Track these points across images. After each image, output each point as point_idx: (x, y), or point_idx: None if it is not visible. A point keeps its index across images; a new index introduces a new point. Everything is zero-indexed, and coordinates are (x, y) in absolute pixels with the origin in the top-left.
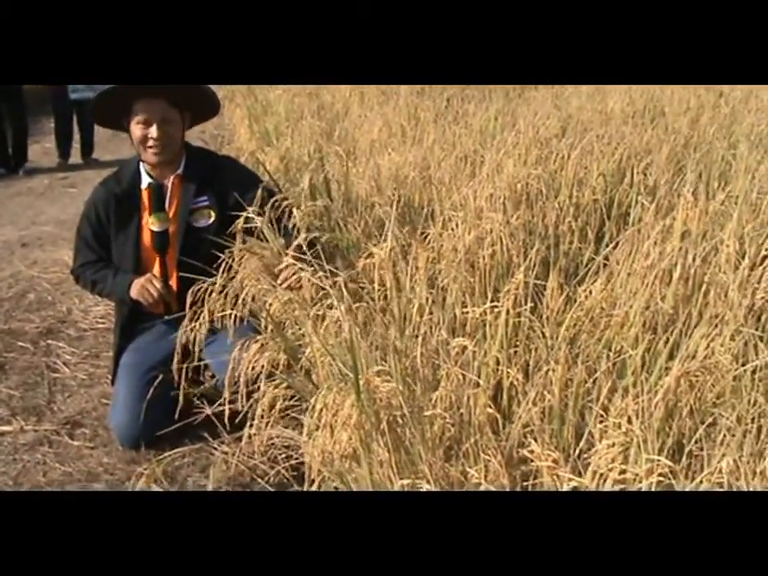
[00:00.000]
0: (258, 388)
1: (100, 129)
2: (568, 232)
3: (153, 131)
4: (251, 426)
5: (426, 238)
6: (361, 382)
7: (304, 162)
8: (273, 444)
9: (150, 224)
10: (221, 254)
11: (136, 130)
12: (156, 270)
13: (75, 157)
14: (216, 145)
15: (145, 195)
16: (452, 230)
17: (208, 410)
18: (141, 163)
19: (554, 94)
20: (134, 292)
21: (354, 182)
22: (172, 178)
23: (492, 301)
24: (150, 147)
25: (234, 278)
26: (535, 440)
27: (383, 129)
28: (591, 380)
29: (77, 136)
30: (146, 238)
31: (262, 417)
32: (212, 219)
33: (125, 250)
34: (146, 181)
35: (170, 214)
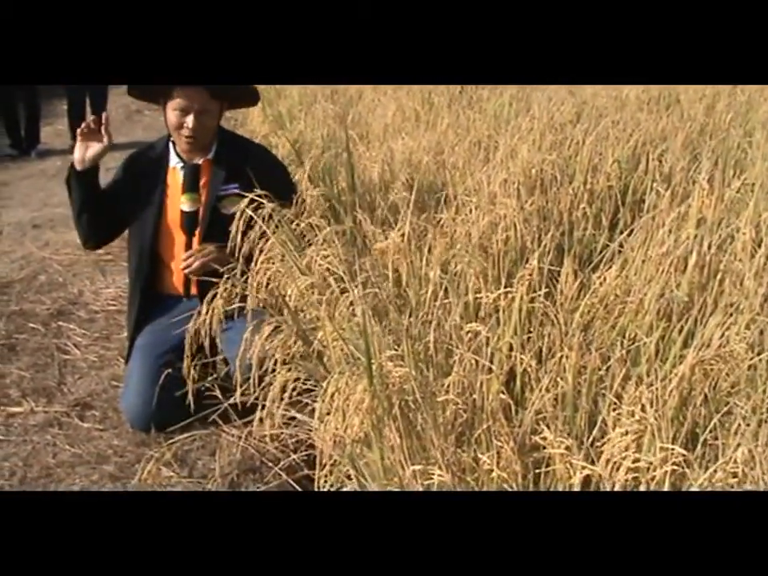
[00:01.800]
0: (271, 371)
1: (112, 110)
2: (582, 218)
3: (189, 121)
4: (262, 409)
5: (439, 223)
6: (373, 367)
7: (317, 146)
8: (284, 428)
9: (182, 203)
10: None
11: (172, 115)
12: (182, 249)
13: None
14: (228, 127)
15: (171, 175)
16: (466, 215)
17: (223, 401)
18: (171, 143)
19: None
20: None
21: (367, 166)
22: (202, 161)
23: (506, 287)
24: (185, 136)
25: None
26: (548, 427)
27: (397, 113)
28: (605, 367)
29: (89, 118)
30: (169, 216)
31: (274, 401)
32: (241, 207)
33: (145, 225)
34: (174, 160)
35: None
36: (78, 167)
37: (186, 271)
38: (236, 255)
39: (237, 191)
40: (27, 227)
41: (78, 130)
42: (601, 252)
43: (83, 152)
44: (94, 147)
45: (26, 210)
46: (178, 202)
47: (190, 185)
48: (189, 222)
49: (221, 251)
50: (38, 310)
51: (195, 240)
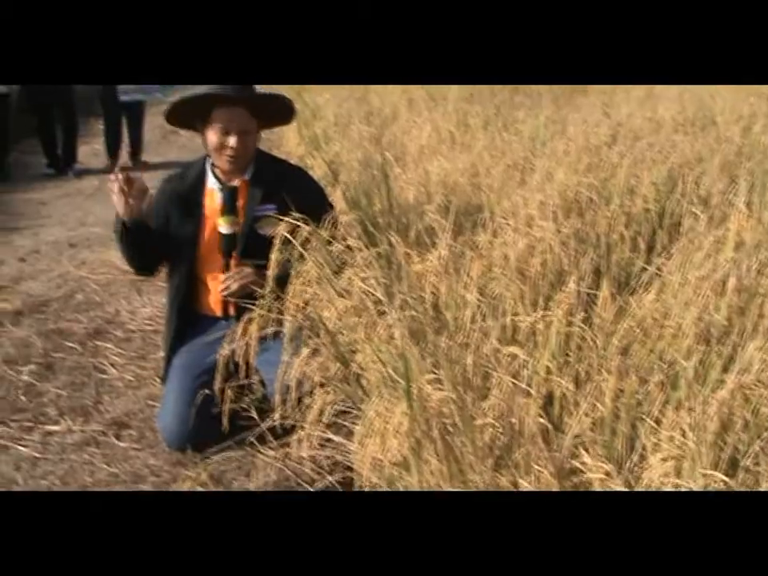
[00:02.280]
0: (309, 394)
1: (149, 131)
2: (619, 241)
3: (231, 141)
4: (299, 430)
5: (477, 245)
6: (412, 390)
7: (352, 167)
8: (320, 450)
9: (219, 225)
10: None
11: (213, 137)
12: (220, 271)
13: (124, 158)
14: (263, 148)
15: (209, 196)
16: (503, 237)
17: (259, 422)
18: (208, 164)
19: (604, 101)
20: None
21: (403, 188)
22: (238, 182)
23: (543, 310)
24: (226, 156)
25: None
26: (587, 451)
27: (432, 135)
28: (644, 391)
29: (126, 137)
30: (207, 238)
31: (312, 423)
32: (278, 228)
33: (184, 249)
34: (211, 182)
35: None
36: (127, 220)
37: (225, 294)
38: (273, 278)
39: (274, 212)
40: (64, 246)
41: (113, 186)
42: (638, 275)
43: (126, 205)
44: (136, 197)
45: (63, 228)
46: (215, 224)
47: (228, 207)
48: (227, 244)
49: (259, 273)
50: (75, 328)
51: (233, 261)
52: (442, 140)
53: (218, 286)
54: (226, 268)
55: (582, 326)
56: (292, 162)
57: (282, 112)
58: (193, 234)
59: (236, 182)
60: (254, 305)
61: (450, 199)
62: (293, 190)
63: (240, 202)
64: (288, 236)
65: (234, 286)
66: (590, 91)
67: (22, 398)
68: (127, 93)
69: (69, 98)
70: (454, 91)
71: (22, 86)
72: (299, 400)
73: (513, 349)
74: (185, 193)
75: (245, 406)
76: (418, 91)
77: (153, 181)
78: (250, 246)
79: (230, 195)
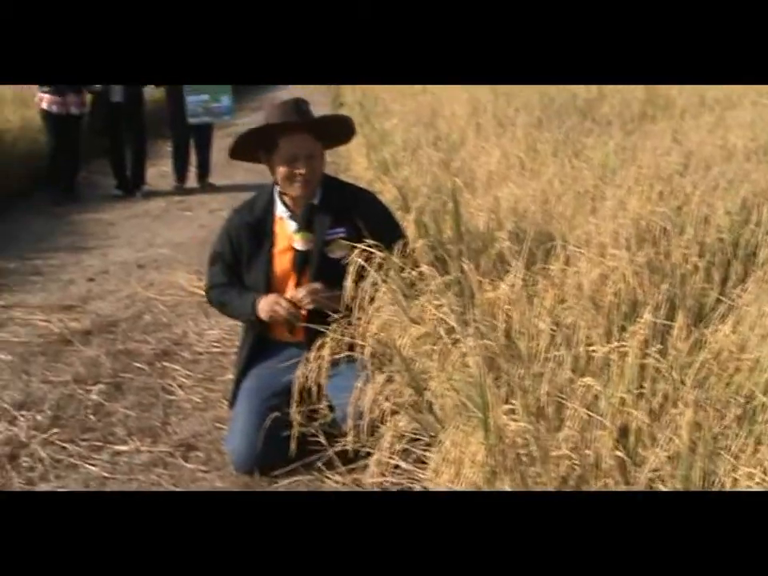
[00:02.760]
0: (382, 421)
1: (215, 153)
2: (693, 271)
3: (300, 167)
4: (369, 456)
5: (549, 274)
6: (490, 420)
7: (422, 193)
8: (389, 477)
9: (295, 241)
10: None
11: (281, 166)
12: (291, 289)
13: (191, 181)
14: (331, 172)
15: (278, 224)
16: (576, 266)
17: (328, 448)
18: (275, 192)
19: (674, 128)
20: (262, 311)
21: (473, 214)
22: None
23: (617, 340)
24: (297, 183)
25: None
26: (664, 485)
27: (501, 160)
28: (721, 425)
29: (193, 160)
30: (278, 267)
31: (384, 449)
32: (347, 252)
33: (256, 277)
34: (280, 210)
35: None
36: (261, 317)
37: (296, 300)
38: (347, 304)
39: (343, 235)
40: (132, 267)
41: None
42: (713, 306)
43: (274, 313)
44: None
45: (131, 249)
46: (286, 253)
47: (305, 224)
48: (300, 260)
49: (330, 292)
50: (144, 349)
51: (305, 280)
52: (511, 166)
53: (289, 293)
54: (298, 285)
55: (658, 357)
56: (360, 185)
57: (344, 132)
58: (265, 263)
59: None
60: (324, 330)
61: (520, 226)
62: (362, 214)
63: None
64: (362, 262)
65: (307, 299)
66: (659, 118)
67: (91, 417)
68: (196, 115)
69: (139, 121)
70: (522, 116)
71: (93, 108)
72: (370, 426)
73: (587, 379)
74: (255, 222)
75: (313, 430)
76: (485, 116)
77: (221, 203)
78: (320, 270)
79: (307, 212)
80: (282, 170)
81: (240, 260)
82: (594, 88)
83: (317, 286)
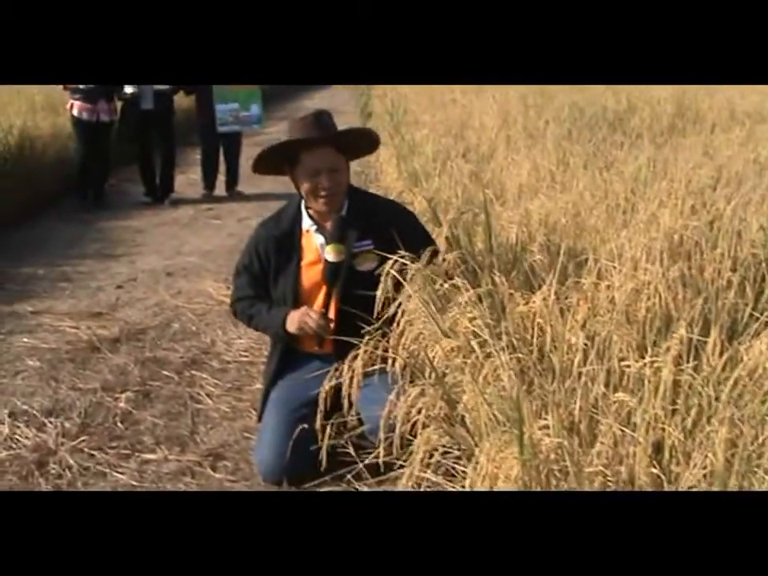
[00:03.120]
0: (414, 434)
1: (243, 161)
2: (727, 287)
3: (324, 181)
4: (400, 469)
5: (582, 287)
6: (525, 436)
7: (453, 205)
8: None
9: (327, 253)
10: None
11: (305, 180)
12: (319, 302)
13: (219, 189)
14: (360, 182)
15: (305, 238)
16: (608, 280)
17: (357, 460)
18: (302, 205)
19: (704, 142)
20: (291, 324)
21: (504, 227)
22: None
23: (650, 355)
24: (321, 197)
25: (393, 322)
26: None
27: (531, 173)
28: (758, 443)
29: (222, 168)
30: (306, 280)
31: (416, 463)
32: (375, 264)
33: (284, 291)
34: (306, 223)
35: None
36: (290, 330)
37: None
38: (379, 315)
39: (371, 247)
40: (161, 275)
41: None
42: (746, 321)
43: (304, 325)
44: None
45: (159, 257)
46: (313, 266)
47: (337, 235)
48: (331, 272)
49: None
50: (172, 357)
51: (335, 293)
52: (542, 178)
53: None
54: (329, 297)
55: (693, 373)
56: (390, 197)
57: (367, 144)
58: (293, 276)
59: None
60: (354, 342)
61: (551, 239)
62: (389, 225)
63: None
64: (395, 274)
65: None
66: (689, 131)
67: (120, 425)
68: (225, 124)
69: (169, 129)
70: (552, 128)
71: (122, 116)
72: (402, 439)
73: (621, 395)
74: (281, 236)
75: (342, 442)
76: (515, 127)
77: (249, 212)
78: (349, 282)
79: (339, 223)
80: (305, 185)
81: (267, 274)
82: (623, 99)
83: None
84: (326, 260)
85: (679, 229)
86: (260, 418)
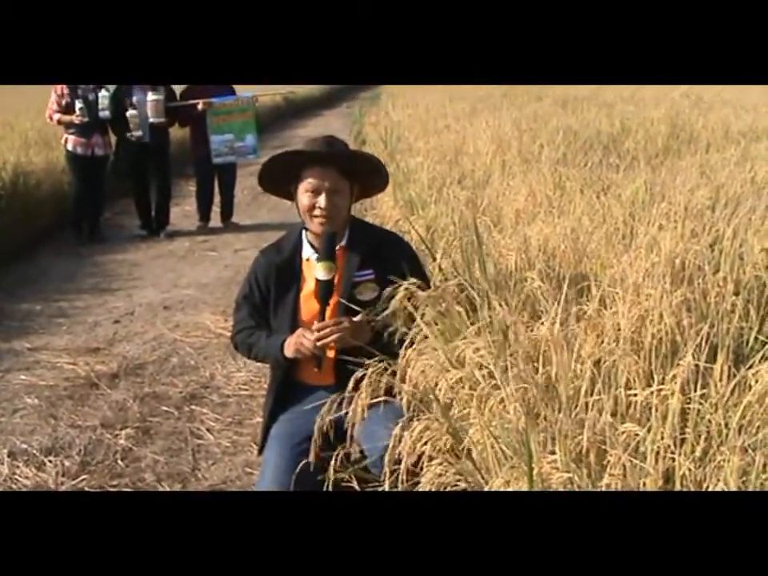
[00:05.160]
0: (419, 467)
1: (239, 193)
2: (731, 311)
3: (321, 201)
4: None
5: (586, 315)
6: (534, 471)
7: (450, 232)
8: None
9: (316, 271)
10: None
11: (303, 197)
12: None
13: (215, 220)
14: (356, 211)
15: (306, 267)
16: (613, 307)
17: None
18: (304, 233)
19: (700, 162)
20: (288, 348)
21: (503, 254)
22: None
23: (657, 383)
24: (317, 216)
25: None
26: None
27: (528, 198)
28: None
29: (217, 199)
30: (304, 311)
31: None
32: (376, 294)
33: (283, 320)
34: (307, 252)
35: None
36: (287, 354)
37: (319, 343)
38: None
39: (371, 278)
40: (158, 308)
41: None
42: (751, 345)
43: (300, 347)
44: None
45: (156, 290)
46: (313, 296)
47: (326, 253)
48: (324, 290)
49: (357, 326)
50: (171, 393)
51: (329, 310)
52: (538, 204)
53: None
54: (322, 316)
55: (702, 401)
56: (387, 227)
57: (373, 174)
58: (293, 305)
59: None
60: (353, 369)
61: (551, 265)
62: (392, 256)
63: (339, 270)
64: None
65: (332, 337)
66: (684, 152)
67: (120, 463)
68: (220, 155)
69: (165, 161)
70: (546, 152)
71: (117, 150)
72: (408, 473)
73: (630, 425)
74: (282, 264)
75: (346, 476)
76: (509, 152)
77: (244, 242)
78: (349, 312)
79: (328, 240)
80: (303, 202)
81: (267, 303)
82: (617, 122)
83: (342, 319)
84: (316, 279)
85: (680, 252)
86: (260, 452)
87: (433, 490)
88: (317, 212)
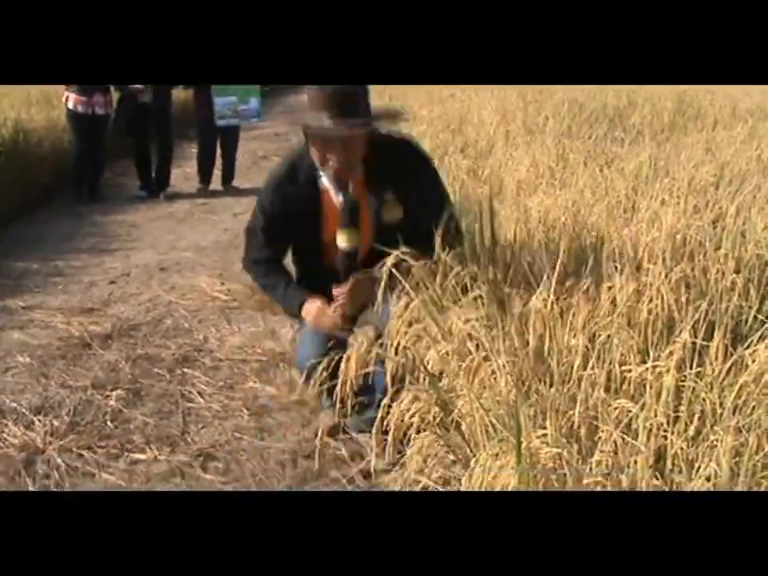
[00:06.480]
0: (407, 439)
1: (240, 156)
2: (731, 289)
3: (333, 159)
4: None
5: (583, 288)
6: (523, 446)
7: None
8: None
9: (339, 240)
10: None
11: (314, 149)
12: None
13: (215, 183)
14: None
15: (325, 194)
16: (609, 281)
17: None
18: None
19: (706, 139)
20: (307, 315)
21: (503, 224)
22: (352, 183)
23: (651, 359)
24: (331, 168)
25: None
26: None
27: (530, 169)
28: (763, 453)
29: (218, 162)
30: (331, 233)
31: (413, 470)
32: (400, 214)
33: (308, 244)
34: (325, 183)
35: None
36: (305, 318)
37: (340, 313)
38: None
39: (392, 197)
40: (154, 270)
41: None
42: (749, 324)
43: (320, 324)
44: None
45: (153, 252)
46: (335, 219)
47: (349, 219)
48: (346, 261)
49: (371, 285)
50: (164, 355)
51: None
52: (540, 175)
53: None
54: (340, 282)
55: (696, 379)
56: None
57: (390, 120)
58: (316, 233)
59: (350, 185)
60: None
61: (551, 237)
62: (408, 172)
63: (362, 201)
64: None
65: (352, 303)
66: (690, 128)
67: (109, 424)
68: (224, 117)
69: (166, 122)
70: (551, 124)
71: (118, 108)
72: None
73: (623, 402)
74: (299, 196)
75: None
76: (514, 123)
77: (242, 207)
78: (380, 240)
79: (350, 208)
80: (316, 156)
81: (283, 230)
82: (624, 96)
83: (359, 286)
84: (338, 247)
85: (682, 228)
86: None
87: (420, 461)
88: (330, 163)
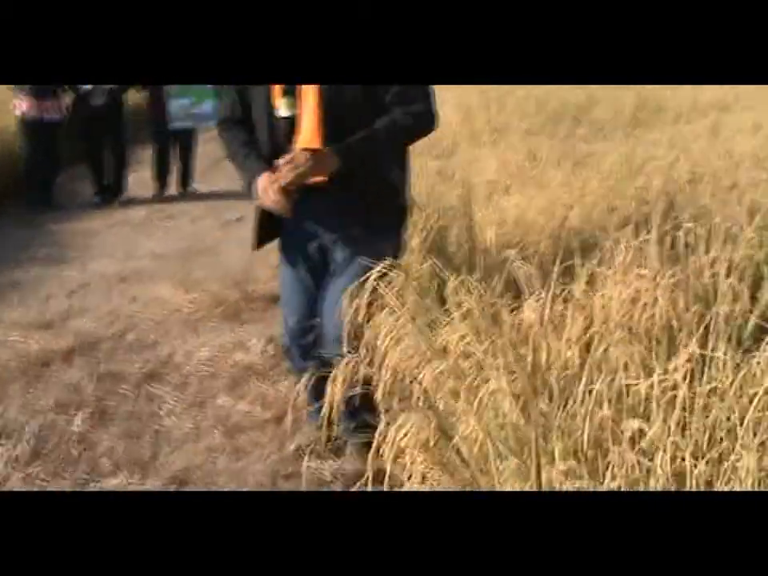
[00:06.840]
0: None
1: (198, 158)
2: (729, 291)
3: None
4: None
5: (574, 298)
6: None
7: (422, 204)
8: None
9: (276, 107)
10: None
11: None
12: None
13: (172, 187)
14: None
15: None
16: (600, 288)
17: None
18: None
19: (671, 134)
20: (257, 193)
21: (480, 227)
22: None
23: (657, 372)
24: None
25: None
26: None
27: (499, 169)
28: None
29: (174, 166)
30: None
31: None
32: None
33: (260, 122)
34: None
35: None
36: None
37: (283, 184)
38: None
39: None
40: (113, 280)
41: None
42: (747, 329)
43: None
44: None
45: (111, 261)
46: None
47: (288, 87)
48: (285, 128)
49: (320, 157)
50: (129, 371)
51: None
52: (510, 175)
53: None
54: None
55: (708, 394)
56: None
57: None
58: (265, 105)
59: None
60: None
61: (531, 241)
62: None
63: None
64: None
65: (290, 176)
66: (652, 123)
67: (75, 448)
68: (178, 119)
69: (119, 125)
70: (515, 122)
71: (71, 112)
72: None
73: (634, 422)
74: None
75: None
76: (477, 121)
77: (201, 212)
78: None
79: None
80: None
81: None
82: (582, 93)
83: (300, 158)
84: (277, 116)
85: (670, 231)
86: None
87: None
88: None
